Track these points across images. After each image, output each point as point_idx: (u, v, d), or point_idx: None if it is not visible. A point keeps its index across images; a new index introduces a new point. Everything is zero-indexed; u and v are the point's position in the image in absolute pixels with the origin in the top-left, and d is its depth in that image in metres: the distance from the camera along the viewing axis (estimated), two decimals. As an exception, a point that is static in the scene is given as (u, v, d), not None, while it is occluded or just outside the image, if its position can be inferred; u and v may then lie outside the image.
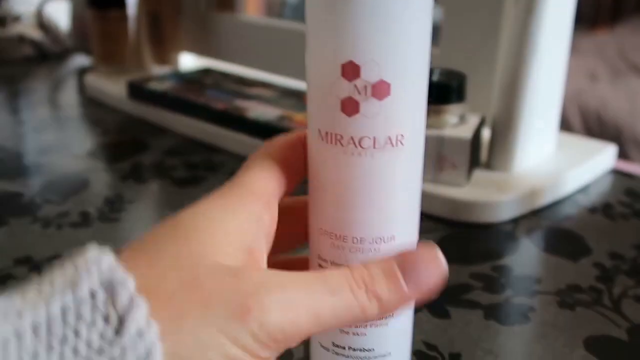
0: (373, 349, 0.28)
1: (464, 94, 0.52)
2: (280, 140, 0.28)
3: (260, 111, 0.65)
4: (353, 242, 0.26)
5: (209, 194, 0.25)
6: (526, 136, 0.54)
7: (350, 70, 0.24)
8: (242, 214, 0.24)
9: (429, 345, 0.36)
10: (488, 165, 0.55)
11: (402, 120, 0.25)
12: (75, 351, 0.18)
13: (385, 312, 0.24)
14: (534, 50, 0.52)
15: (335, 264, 0.27)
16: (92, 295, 0.19)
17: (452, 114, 0.52)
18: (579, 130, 1.50)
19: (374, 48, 0.23)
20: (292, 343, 0.22)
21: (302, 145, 0.28)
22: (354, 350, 0.28)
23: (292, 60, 0.74)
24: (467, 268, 0.45)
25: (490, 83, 0.58)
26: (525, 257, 0.47)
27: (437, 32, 0.60)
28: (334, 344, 0.29)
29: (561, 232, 0.50)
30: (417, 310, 0.39)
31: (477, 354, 0.36)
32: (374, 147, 0.25)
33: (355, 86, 0.24)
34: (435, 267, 0.24)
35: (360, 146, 0.25)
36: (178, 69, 0.84)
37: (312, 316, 0.22)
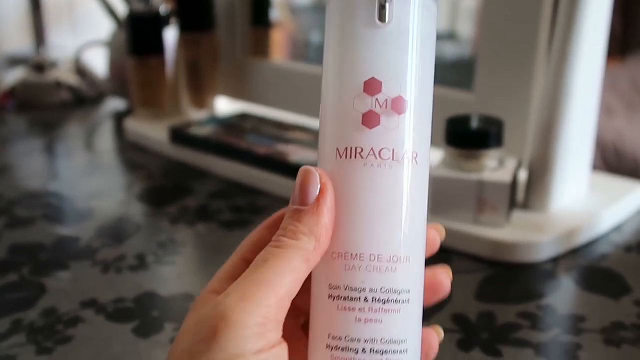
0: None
1: (502, 139, 0.55)
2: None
3: (301, 155, 0.68)
4: (370, 260, 0.27)
5: None
6: (562, 177, 0.56)
7: (373, 86, 0.27)
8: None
9: (486, 383, 0.38)
10: (525, 206, 0.58)
11: (416, 137, 0.28)
12: None
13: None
14: (568, 95, 0.54)
15: (350, 288, 0.27)
16: None
17: (491, 158, 0.54)
18: (597, 164, 1.52)
19: (394, 68, 0.27)
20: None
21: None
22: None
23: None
24: (513, 307, 0.47)
25: (524, 126, 0.60)
26: (568, 296, 0.49)
27: (471, 77, 0.63)
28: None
29: (600, 270, 0.52)
30: (469, 349, 0.42)
31: (532, 391, 0.38)
32: (393, 159, 0.27)
33: (377, 100, 0.27)
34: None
35: (380, 157, 0.27)
36: (215, 113, 0.88)
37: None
